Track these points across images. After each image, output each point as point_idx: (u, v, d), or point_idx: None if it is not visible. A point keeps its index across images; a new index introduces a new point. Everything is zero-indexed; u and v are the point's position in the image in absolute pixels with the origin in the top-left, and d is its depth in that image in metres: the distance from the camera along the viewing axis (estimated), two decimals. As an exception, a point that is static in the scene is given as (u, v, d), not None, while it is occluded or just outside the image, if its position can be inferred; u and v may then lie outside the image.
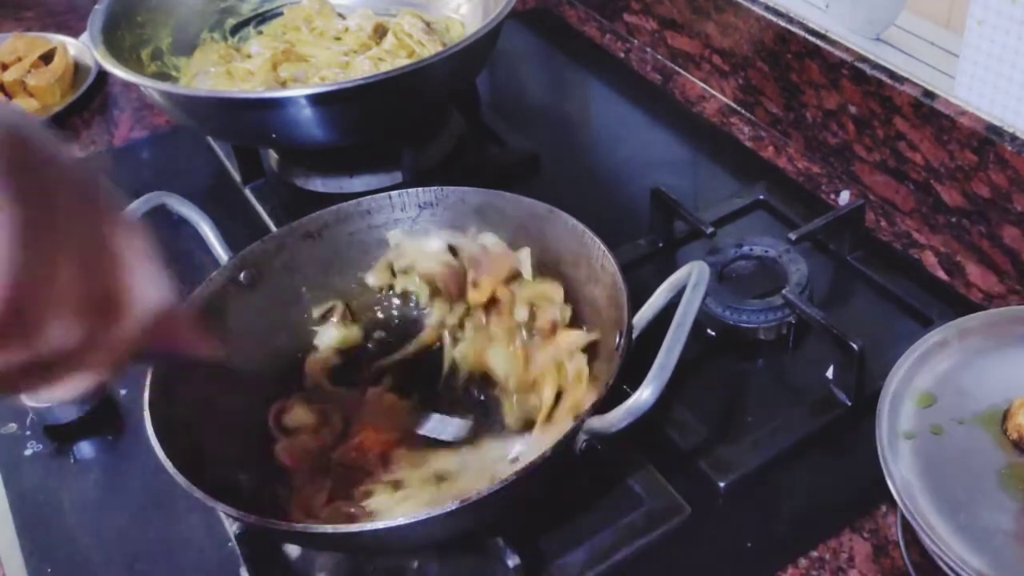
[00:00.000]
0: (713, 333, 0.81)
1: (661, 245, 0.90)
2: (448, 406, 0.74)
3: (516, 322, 0.74)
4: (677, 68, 1.17)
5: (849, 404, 0.73)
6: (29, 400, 0.79)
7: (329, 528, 0.60)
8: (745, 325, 0.79)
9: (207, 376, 0.70)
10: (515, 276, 0.75)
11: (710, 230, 0.86)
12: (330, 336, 0.78)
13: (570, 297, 0.73)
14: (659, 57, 1.20)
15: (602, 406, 0.58)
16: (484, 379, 0.75)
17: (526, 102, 1.18)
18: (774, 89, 1.02)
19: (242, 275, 0.74)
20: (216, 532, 0.70)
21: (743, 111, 1.08)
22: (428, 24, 1.07)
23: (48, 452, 0.78)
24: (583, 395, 0.68)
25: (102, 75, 1.26)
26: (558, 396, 0.70)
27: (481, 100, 1.11)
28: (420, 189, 0.79)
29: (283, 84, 1.02)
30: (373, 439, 0.71)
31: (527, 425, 0.70)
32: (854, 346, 0.71)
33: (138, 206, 0.74)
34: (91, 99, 1.24)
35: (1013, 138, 0.79)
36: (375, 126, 0.94)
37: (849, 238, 0.86)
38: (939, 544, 0.56)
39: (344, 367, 0.77)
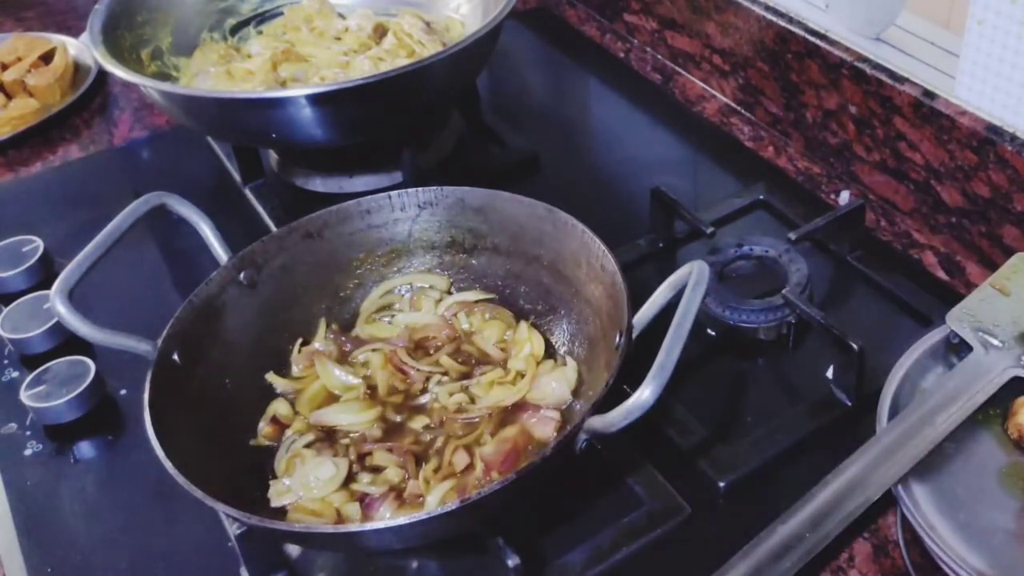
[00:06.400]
0: (713, 333, 0.81)
1: (661, 245, 0.90)
2: None
3: None
4: (677, 68, 1.17)
5: (849, 404, 0.73)
6: (29, 400, 0.79)
7: (329, 528, 0.60)
8: (745, 325, 0.79)
9: (207, 375, 0.70)
10: None
11: (710, 230, 0.86)
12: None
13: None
14: (659, 57, 1.20)
15: (602, 406, 0.58)
16: None
17: (526, 102, 1.18)
18: (774, 89, 1.02)
19: (242, 275, 0.74)
20: (216, 532, 0.70)
21: (743, 111, 1.08)
22: (428, 24, 1.07)
23: (48, 452, 0.78)
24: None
25: (102, 75, 1.26)
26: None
27: (481, 100, 1.11)
28: (420, 189, 0.79)
29: (283, 84, 1.02)
30: None
31: None
32: (854, 346, 0.71)
33: (138, 206, 0.74)
34: (91, 99, 1.24)
35: (1013, 138, 0.79)
36: (375, 126, 0.94)
37: (849, 238, 0.86)
38: (939, 544, 0.56)
39: None
